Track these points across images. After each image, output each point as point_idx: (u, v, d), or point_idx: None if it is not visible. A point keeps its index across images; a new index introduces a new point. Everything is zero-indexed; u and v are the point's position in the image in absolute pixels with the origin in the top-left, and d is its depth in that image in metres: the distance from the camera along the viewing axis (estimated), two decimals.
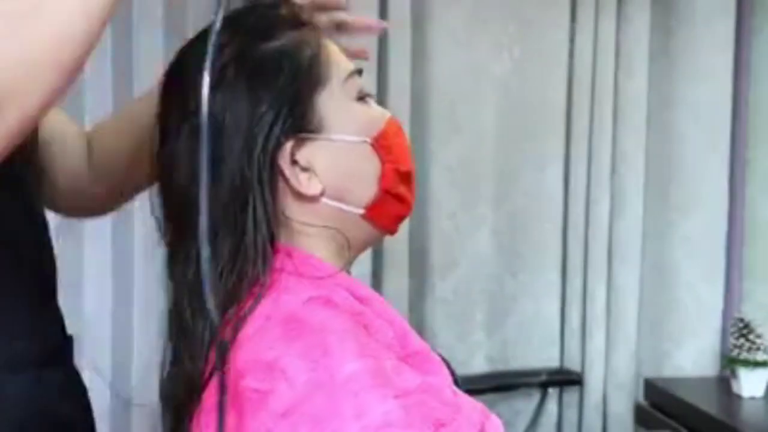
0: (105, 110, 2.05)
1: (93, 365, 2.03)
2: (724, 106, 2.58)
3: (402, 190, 0.91)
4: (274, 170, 0.85)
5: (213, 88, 0.79)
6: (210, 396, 0.80)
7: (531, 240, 2.56)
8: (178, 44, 0.94)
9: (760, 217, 2.59)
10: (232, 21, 0.86)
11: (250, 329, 0.81)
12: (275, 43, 0.87)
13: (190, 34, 0.93)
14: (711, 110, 2.57)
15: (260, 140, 0.84)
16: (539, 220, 2.56)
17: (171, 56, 0.92)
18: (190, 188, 0.82)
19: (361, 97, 0.91)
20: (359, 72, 0.91)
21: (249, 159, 0.83)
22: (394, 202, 0.91)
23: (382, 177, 0.90)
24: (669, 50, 2.58)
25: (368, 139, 0.89)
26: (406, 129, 2.32)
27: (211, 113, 0.78)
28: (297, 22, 0.90)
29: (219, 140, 0.83)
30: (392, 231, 0.94)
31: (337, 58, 0.90)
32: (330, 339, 0.77)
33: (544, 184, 2.55)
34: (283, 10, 0.91)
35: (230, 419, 0.77)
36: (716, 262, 2.60)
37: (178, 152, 0.86)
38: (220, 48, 0.82)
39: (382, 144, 0.90)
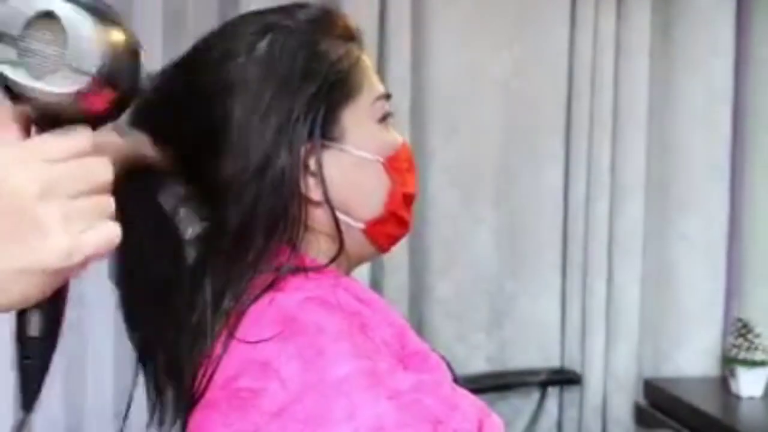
0: None
1: None
2: (725, 104, 2.58)
3: (404, 213, 0.93)
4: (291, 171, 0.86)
5: (248, 73, 0.84)
6: (210, 391, 0.81)
7: (530, 239, 2.56)
8: (177, 48, 0.94)
9: (761, 217, 2.59)
10: (283, 12, 0.89)
11: (245, 328, 0.81)
12: (321, 48, 0.88)
13: (191, 38, 0.93)
14: (711, 107, 2.57)
15: (286, 139, 0.85)
16: (539, 220, 2.56)
17: (170, 59, 0.92)
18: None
19: (383, 119, 0.92)
20: (388, 96, 0.93)
21: (272, 155, 0.84)
22: (395, 223, 0.93)
23: (390, 197, 0.91)
24: (669, 48, 2.58)
25: (382, 159, 0.90)
26: (406, 129, 2.36)
27: (241, 101, 0.84)
28: (346, 33, 0.91)
29: (245, 131, 0.84)
30: (386, 250, 0.96)
31: (371, 77, 0.92)
32: (324, 340, 0.77)
33: (544, 184, 2.56)
34: (333, 17, 0.92)
35: (223, 418, 0.78)
36: (716, 262, 2.60)
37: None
38: (261, 35, 0.86)
39: (394, 166, 0.91)
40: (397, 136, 0.94)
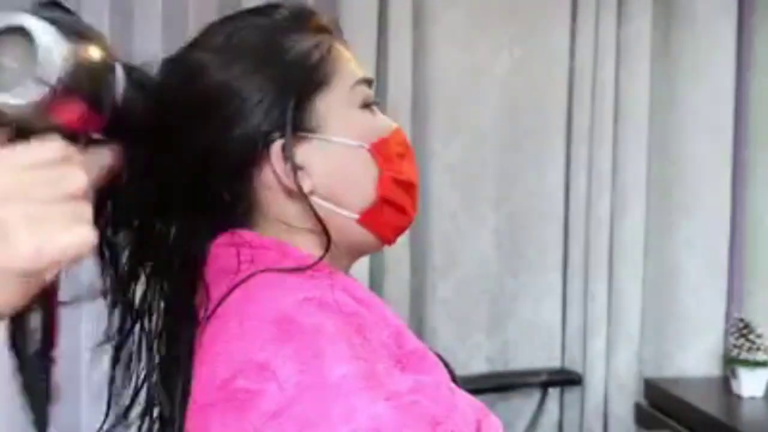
0: None
1: None
2: (726, 106, 2.58)
3: (401, 199, 0.91)
4: (263, 164, 0.86)
5: (221, 71, 0.86)
6: (207, 391, 0.80)
7: (532, 240, 2.56)
8: (177, 38, 0.94)
9: (762, 218, 2.59)
10: (253, 11, 0.91)
11: (242, 327, 0.81)
12: (290, 41, 0.88)
13: (191, 28, 0.93)
14: (713, 109, 2.57)
15: (255, 132, 0.86)
16: (540, 221, 2.56)
17: (170, 50, 0.93)
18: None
19: (367, 105, 0.91)
20: (368, 81, 0.92)
21: (240, 149, 0.85)
22: (392, 211, 0.91)
23: (379, 184, 0.89)
24: (670, 49, 2.58)
25: (366, 145, 0.89)
26: (407, 129, 2.35)
27: (217, 95, 0.85)
28: (316, 26, 0.91)
29: (217, 121, 0.86)
30: (390, 241, 0.94)
31: (346, 63, 0.91)
32: (322, 341, 0.77)
33: (545, 184, 2.55)
34: (304, 14, 0.92)
35: (220, 419, 0.78)
36: (718, 263, 2.60)
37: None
38: (235, 33, 0.87)
39: (381, 152, 0.90)
40: (387, 121, 0.93)
